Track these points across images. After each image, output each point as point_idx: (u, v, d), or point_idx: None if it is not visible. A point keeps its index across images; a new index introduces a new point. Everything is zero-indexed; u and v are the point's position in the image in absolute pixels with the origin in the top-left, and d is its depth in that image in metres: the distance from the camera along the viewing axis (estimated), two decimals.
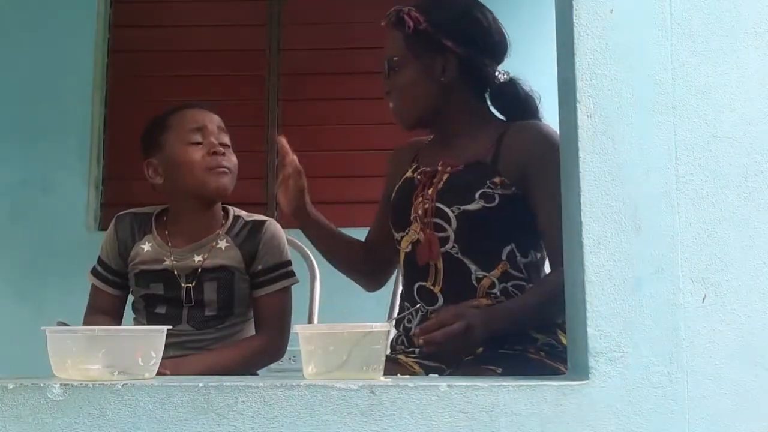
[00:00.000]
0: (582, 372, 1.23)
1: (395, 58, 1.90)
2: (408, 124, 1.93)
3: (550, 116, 1.63)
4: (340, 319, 1.52)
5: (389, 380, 1.21)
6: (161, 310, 2.00)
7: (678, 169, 1.24)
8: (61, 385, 1.20)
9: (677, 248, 1.22)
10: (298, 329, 1.25)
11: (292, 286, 2.04)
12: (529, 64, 1.98)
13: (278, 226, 2.08)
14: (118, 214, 2.13)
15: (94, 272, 2.09)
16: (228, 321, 2.01)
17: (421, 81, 1.89)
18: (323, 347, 1.23)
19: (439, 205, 1.81)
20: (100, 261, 2.10)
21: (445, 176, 1.84)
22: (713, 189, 1.24)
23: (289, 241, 2.15)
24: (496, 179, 1.79)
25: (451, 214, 1.79)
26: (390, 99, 1.93)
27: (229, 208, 2.08)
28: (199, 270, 1.97)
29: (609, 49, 1.27)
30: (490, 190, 1.78)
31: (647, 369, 1.19)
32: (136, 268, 2.02)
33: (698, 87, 1.26)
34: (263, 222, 2.04)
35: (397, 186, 1.96)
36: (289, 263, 2.03)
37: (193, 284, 1.96)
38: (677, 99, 1.26)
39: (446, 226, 1.80)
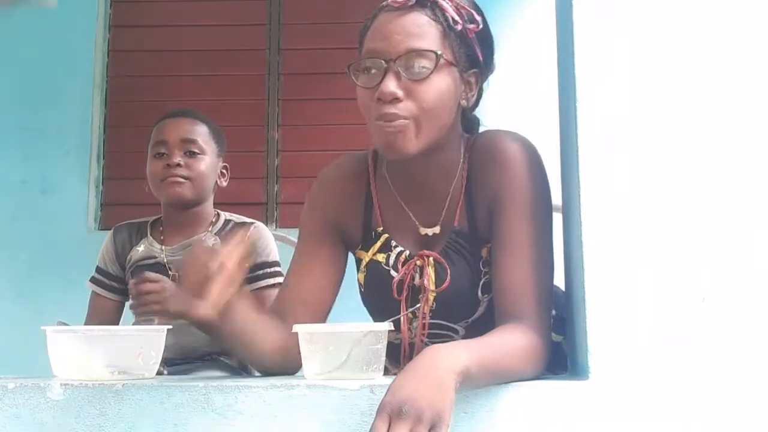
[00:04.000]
0: (582, 372, 1.23)
1: (432, 54, 1.34)
2: (413, 150, 1.36)
3: (550, 116, 1.62)
4: (338, 319, 1.52)
5: (389, 380, 1.21)
6: None
7: (678, 170, 1.24)
8: (61, 385, 1.20)
9: (677, 248, 1.22)
10: (298, 329, 1.25)
11: None
12: (528, 64, 1.98)
13: (265, 228, 2.20)
14: (116, 225, 2.27)
15: (93, 280, 2.23)
16: None
17: (453, 96, 1.38)
18: (323, 347, 1.23)
19: (440, 322, 1.46)
20: (98, 269, 2.23)
21: (432, 277, 1.43)
22: (713, 189, 1.24)
23: (282, 238, 2.20)
24: (484, 252, 1.43)
25: (459, 328, 1.47)
26: (394, 109, 1.33)
27: (221, 212, 2.22)
28: None
29: (609, 49, 1.27)
30: (488, 276, 1.42)
31: (647, 369, 1.19)
32: (132, 266, 2.16)
33: (699, 87, 1.26)
34: (250, 224, 2.18)
35: (365, 265, 1.50)
36: (274, 264, 2.14)
37: (174, 272, 2.09)
38: (678, 98, 1.26)
39: (453, 335, 1.48)
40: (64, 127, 4.07)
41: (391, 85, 1.33)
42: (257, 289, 2.10)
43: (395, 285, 1.44)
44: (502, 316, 1.33)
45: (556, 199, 1.44)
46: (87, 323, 2.17)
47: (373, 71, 1.36)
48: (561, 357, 1.46)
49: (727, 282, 1.21)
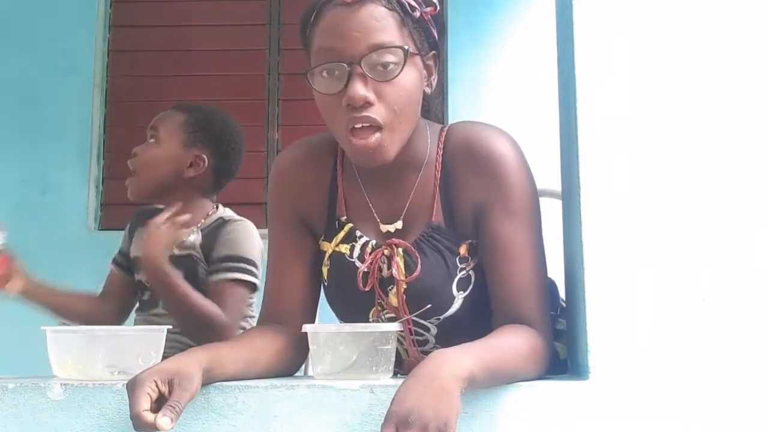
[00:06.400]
0: (582, 372, 1.23)
1: (399, 51, 1.27)
2: (391, 157, 1.30)
3: (550, 116, 1.62)
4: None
5: (390, 380, 1.21)
6: (146, 297, 2.15)
7: (679, 170, 1.24)
8: (61, 385, 1.20)
9: (677, 248, 1.22)
10: (307, 329, 1.25)
11: None
12: (528, 64, 1.97)
13: (247, 226, 2.14)
14: (140, 208, 2.30)
15: (113, 260, 2.27)
16: None
17: (419, 87, 1.33)
18: (332, 347, 1.22)
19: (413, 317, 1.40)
20: (119, 250, 2.27)
21: (402, 270, 1.37)
22: (714, 189, 1.24)
23: None
24: (461, 249, 1.37)
25: (430, 326, 1.41)
26: (367, 113, 1.26)
27: (221, 209, 2.19)
28: (169, 258, 2.10)
29: (609, 49, 1.27)
30: (463, 272, 1.37)
31: (647, 369, 1.19)
32: (134, 254, 2.18)
33: (699, 86, 1.26)
34: (232, 220, 2.14)
35: (328, 257, 1.43)
36: (243, 260, 2.07)
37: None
38: (678, 98, 1.26)
39: (423, 332, 1.43)
40: (64, 127, 4.07)
41: (360, 89, 1.25)
42: (217, 280, 2.03)
43: (360, 276, 1.37)
44: (502, 319, 1.32)
45: (552, 185, 1.43)
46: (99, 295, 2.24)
47: (335, 74, 1.27)
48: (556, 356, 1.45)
49: (727, 282, 1.21)
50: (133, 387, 1.10)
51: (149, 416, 1.06)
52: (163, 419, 1.06)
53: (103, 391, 1.20)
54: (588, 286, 1.22)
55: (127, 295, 2.23)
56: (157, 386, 1.10)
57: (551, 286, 1.49)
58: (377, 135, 1.27)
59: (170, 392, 1.10)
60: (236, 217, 2.17)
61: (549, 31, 1.55)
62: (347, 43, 1.26)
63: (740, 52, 1.27)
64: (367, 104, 1.26)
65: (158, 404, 1.09)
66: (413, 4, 1.30)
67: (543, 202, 1.39)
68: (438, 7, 1.34)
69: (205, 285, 2.06)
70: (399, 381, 1.16)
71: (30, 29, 4.10)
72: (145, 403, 1.07)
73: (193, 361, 1.15)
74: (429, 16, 1.33)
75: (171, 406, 1.08)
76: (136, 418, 1.07)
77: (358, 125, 1.27)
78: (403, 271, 1.37)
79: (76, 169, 4.07)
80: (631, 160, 1.24)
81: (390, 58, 1.26)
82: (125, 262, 2.23)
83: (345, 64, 1.26)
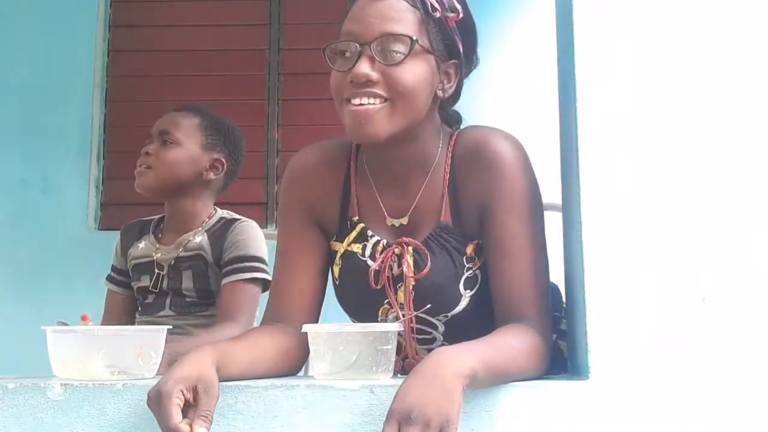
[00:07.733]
0: (582, 372, 1.23)
1: (408, 39, 1.32)
2: (382, 134, 1.33)
3: (550, 116, 1.62)
4: (343, 318, 1.52)
5: (390, 380, 1.21)
6: (150, 300, 2.14)
7: (678, 170, 1.24)
8: (61, 385, 1.20)
9: (677, 248, 1.22)
10: (308, 329, 1.25)
11: None
12: (528, 63, 1.97)
13: (254, 226, 2.16)
14: (126, 223, 2.30)
15: (107, 277, 2.26)
16: (209, 310, 2.12)
17: (428, 84, 1.37)
18: (333, 347, 1.22)
19: (418, 314, 1.42)
20: (112, 267, 2.26)
21: (411, 267, 1.40)
22: (713, 189, 1.24)
23: None
24: (468, 249, 1.41)
25: (438, 323, 1.44)
26: (371, 89, 1.32)
27: (220, 210, 2.22)
28: (175, 260, 2.12)
29: (609, 49, 1.27)
30: (470, 271, 1.40)
31: (647, 369, 1.19)
32: (131, 263, 2.19)
33: (699, 86, 1.26)
34: (237, 220, 2.16)
35: (340, 256, 1.46)
36: (255, 258, 2.09)
37: (165, 271, 2.11)
38: (678, 98, 1.26)
39: (431, 330, 1.45)
40: (64, 127, 4.07)
41: (364, 67, 1.32)
42: (232, 282, 2.05)
43: (372, 274, 1.41)
44: (503, 318, 1.33)
45: (556, 198, 1.44)
46: (102, 319, 2.19)
47: (348, 54, 1.35)
48: (556, 356, 1.46)
49: (727, 282, 1.21)
50: (159, 398, 1.10)
51: (186, 428, 1.08)
52: (201, 430, 1.09)
53: (103, 391, 1.20)
54: (588, 286, 1.22)
55: (131, 309, 2.24)
56: (183, 394, 1.11)
57: (554, 288, 1.50)
58: (375, 106, 1.33)
59: (194, 398, 1.12)
60: (238, 216, 2.18)
61: (548, 29, 1.55)
62: (363, 28, 1.34)
63: (740, 53, 1.27)
64: (370, 82, 1.32)
65: (183, 411, 1.10)
66: (435, 4, 1.35)
67: (545, 215, 1.41)
68: (462, 15, 1.39)
69: (220, 287, 2.08)
70: (399, 381, 1.17)
71: (30, 29, 4.10)
72: (177, 416, 1.09)
73: (210, 364, 1.17)
74: (453, 24, 1.39)
75: (203, 416, 1.10)
76: (172, 431, 1.08)
77: (357, 100, 1.33)
78: (413, 269, 1.40)
79: (76, 169, 4.07)
80: (631, 161, 1.24)
81: (399, 46, 1.33)
82: (123, 278, 2.23)
83: (357, 44, 1.34)
